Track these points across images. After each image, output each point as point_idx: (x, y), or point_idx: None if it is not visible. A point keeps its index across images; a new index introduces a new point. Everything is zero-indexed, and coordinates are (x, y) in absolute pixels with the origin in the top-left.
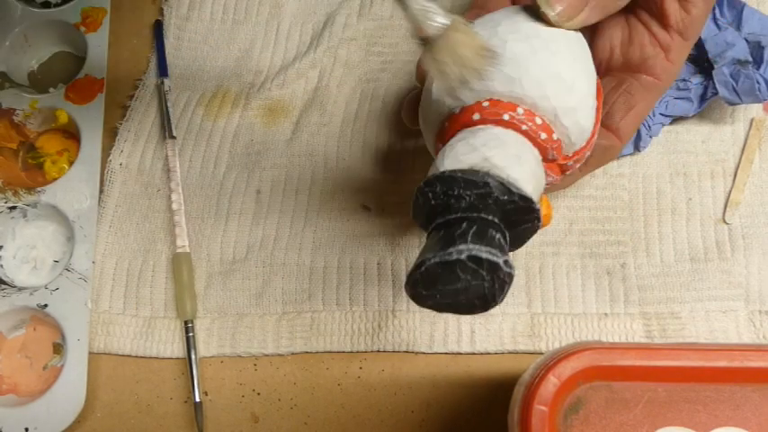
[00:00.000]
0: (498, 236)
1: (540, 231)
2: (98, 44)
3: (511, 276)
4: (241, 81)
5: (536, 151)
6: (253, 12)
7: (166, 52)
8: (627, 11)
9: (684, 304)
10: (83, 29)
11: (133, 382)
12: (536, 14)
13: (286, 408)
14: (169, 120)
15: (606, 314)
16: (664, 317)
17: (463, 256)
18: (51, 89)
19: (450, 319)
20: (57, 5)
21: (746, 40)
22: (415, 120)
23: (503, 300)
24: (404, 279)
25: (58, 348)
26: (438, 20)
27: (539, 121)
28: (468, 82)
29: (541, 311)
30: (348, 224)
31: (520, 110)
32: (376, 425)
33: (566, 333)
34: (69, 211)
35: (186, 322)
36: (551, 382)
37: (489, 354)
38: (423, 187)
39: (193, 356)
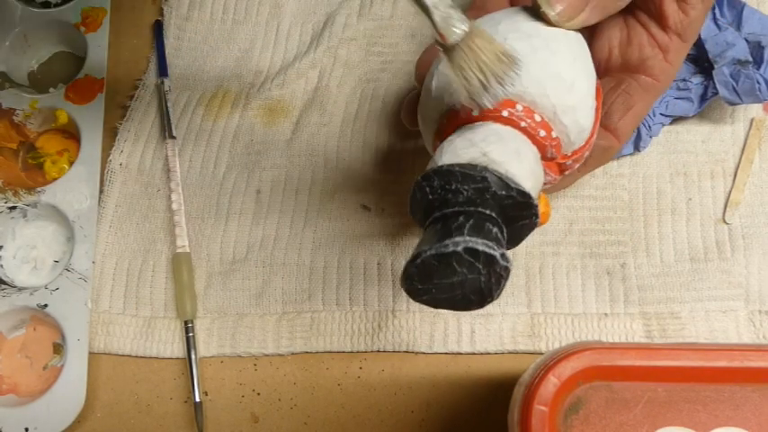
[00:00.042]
0: (495, 230)
1: (539, 231)
2: (98, 44)
3: (507, 270)
4: (241, 81)
5: (535, 149)
6: (253, 12)
7: (166, 52)
8: (626, 12)
9: (684, 304)
10: (83, 29)
11: (133, 382)
12: (536, 14)
13: (286, 408)
14: (169, 120)
15: (606, 314)
16: (664, 317)
17: (459, 248)
18: (51, 89)
19: (450, 318)
20: (57, 5)
21: (746, 40)
22: (415, 120)
23: (499, 295)
24: None
25: (58, 348)
26: (460, 26)
27: (538, 118)
28: (491, 87)
29: (541, 311)
30: (348, 224)
31: (519, 107)
32: (376, 425)
33: (566, 333)
34: (69, 211)
35: (186, 322)
36: (551, 382)
37: (489, 354)
38: (420, 181)
39: (193, 356)
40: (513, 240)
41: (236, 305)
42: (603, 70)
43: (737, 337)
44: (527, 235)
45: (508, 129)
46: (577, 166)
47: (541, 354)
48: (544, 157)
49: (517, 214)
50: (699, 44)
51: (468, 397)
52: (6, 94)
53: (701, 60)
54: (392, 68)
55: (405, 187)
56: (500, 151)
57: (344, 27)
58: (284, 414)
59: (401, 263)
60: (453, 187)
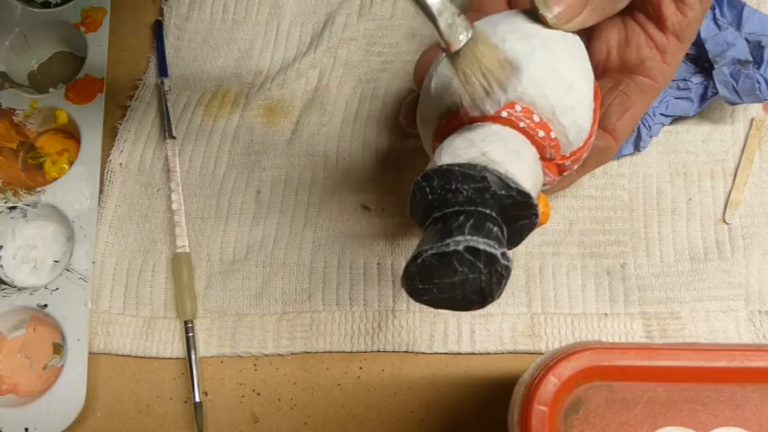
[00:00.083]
0: (496, 229)
1: (539, 231)
2: (98, 44)
3: (508, 270)
4: (241, 81)
5: (534, 149)
6: (253, 12)
7: (166, 52)
8: (624, 13)
9: (684, 304)
10: (83, 29)
11: (133, 382)
12: (535, 17)
13: (286, 408)
14: (169, 120)
15: (606, 314)
16: (664, 317)
17: (460, 247)
18: (51, 89)
19: (450, 319)
20: (57, 5)
21: (746, 40)
22: (413, 123)
23: (500, 295)
24: None
25: (58, 348)
26: (464, 33)
27: (537, 119)
28: (493, 92)
29: (541, 311)
30: (348, 224)
31: (518, 107)
32: (376, 425)
33: (566, 333)
34: (69, 211)
35: (186, 322)
36: (551, 382)
37: (489, 354)
38: (420, 181)
39: (193, 356)
40: (514, 240)
41: (236, 305)
42: (601, 71)
43: (737, 337)
44: (527, 235)
45: (507, 129)
46: (576, 166)
47: (541, 354)
48: (543, 158)
49: (517, 214)
50: (699, 44)
51: (468, 397)
52: (6, 94)
53: (701, 60)
54: (392, 68)
55: (405, 187)
56: (500, 151)
57: (344, 27)
58: (284, 414)
59: (401, 263)
60: (453, 187)
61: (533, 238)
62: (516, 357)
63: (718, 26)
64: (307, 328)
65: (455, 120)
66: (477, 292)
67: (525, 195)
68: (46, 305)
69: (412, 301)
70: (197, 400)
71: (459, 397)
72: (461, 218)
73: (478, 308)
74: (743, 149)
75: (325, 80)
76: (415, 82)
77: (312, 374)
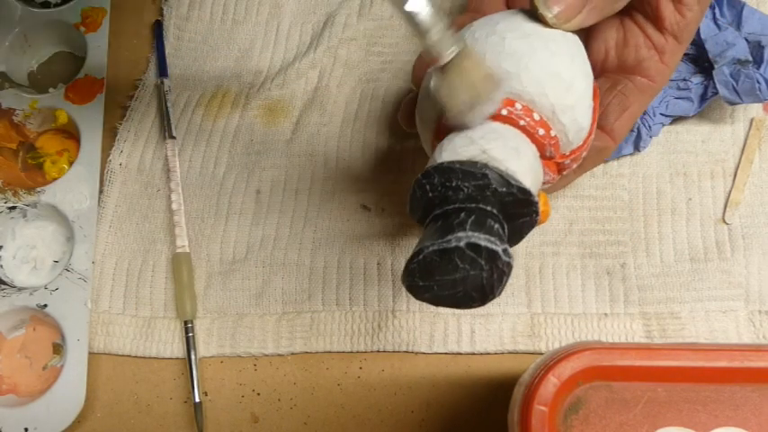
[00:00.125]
0: (497, 226)
1: (539, 231)
2: (98, 44)
3: (510, 266)
4: (241, 81)
5: (534, 147)
6: (253, 12)
7: (166, 52)
8: (622, 13)
9: (684, 304)
10: (83, 29)
11: (133, 383)
12: (534, 16)
13: (286, 408)
14: (169, 120)
15: (606, 314)
16: (664, 317)
17: (462, 244)
18: (51, 89)
19: (450, 318)
20: (57, 5)
21: (746, 40)
22: (412, 122)
23: (501, 292)
24: None
25: (58, 348)
26: (453, 48)
27: (537, 117)
28: (477, 105)
29: (541, 311)
30: (348, 224)
31: (518, 105)
32: (376, 425)
33: (566, 333)
34: (69, 211)
35: (186, 322)
36: (551, 382)
37: (489, 354)
38: (420, 179)
39: (193, 357)
40: (514, 238)
41: (236, 305)
42: (599, 71)
43: (737, 337)
44: (527, 232)
45: (507, 127)
46: (575, 165)
47: (541, 354)
48: (543, 156)
49: (518, 211)
50: (699, 44)
51: (468, 397)
52: (6, 94)
53: (701, 60)
54: (392, 68)
55: (405, 187)
56: (500, 148)
57: (344, 27)
58: (284, 414)
59: (401, 263)
60: (454, 184)
61: (533, 238)
62: (516, 357)
63: (718, 26)
64: (307, 328)
65: None
66: (479, 289)
67: (526, 193)
68: (46, 305)
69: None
70: (197, 400)
71: (459, 397)
72: (462, 215)
73: (479, 305)
74: (743, 149)
75: (325, 80)
76: (413, 82)
77: (312, 374)
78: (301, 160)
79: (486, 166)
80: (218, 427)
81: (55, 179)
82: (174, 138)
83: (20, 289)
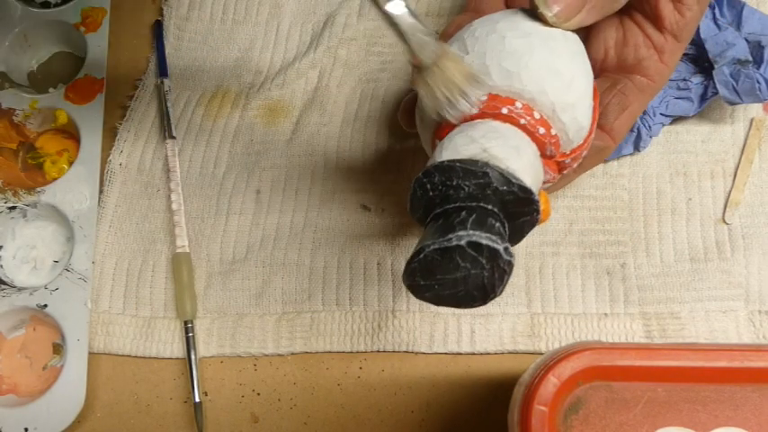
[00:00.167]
0: (498, 225)
1: (539, 231)
2: (98, 44)
3: (511, 265)
4: (241, 81)
5: (534, 146)
6: (253, 12)
7: (166, 52)
8: (621, 12)
9: (684, 304)
10: (83, 29)
11: (133, 382)
12: (534, 15)
13: (286, 408)
14: (169, 120)
15: (606, 314)
16: (664, 317)
17: (463, 242)
18: (51, 89)
19: (450, 319)
20: (57, 5)
21: (746, 40)
22: (412, 122)
23: (502, 291)
24: None
25: (58, 348)
26: (432, 48)
27: (537, 115)
28: (457, 103)
29: (541, 311)
30: (348, 224)
31: (518, 104)
32: (376, 425)
33: (566, 333)
34: (69, 211)
35: (186, 322)
36: (551, 382)
37: (489, 354)
38: (421, 178)
39: (193, 357)
40: (515, 237)
41: (236, 305)
42: (599, 70)
43: (737, 337)
44: (528, 231)
45: (508, 126)
46: (576, 165)
47: (541, 354)
48: (543, 155)
49: (518, 210)
50: (699, 44)
51: (468, 397)
52: (6, 94)
53: (701, 60)
54: (392, 68)
55: (405, 187)
56: (501, 147)
57: (344, 27)
58: (284, 414)
59: (401, 263)
60: (454, 183)
61: (533, 238)
62: (516, 357)
63: (718, 26)
64: (307, 328)
65: None
66: (480, 288)
67: (527, 191)
68: (46, 305)
69: (412, 301)
70: (197, 400)
71: (459, 397)
72: (463, 213)
73: (481, 304)
74: (743, 149)
75: (325, 80)
76: (412, 83)
77: (312, 374)
78: (301, 160)
79: (486, 164)
80: (218, 427)
81: (55, 179)
82: (174, 138)
83: (20, 289)
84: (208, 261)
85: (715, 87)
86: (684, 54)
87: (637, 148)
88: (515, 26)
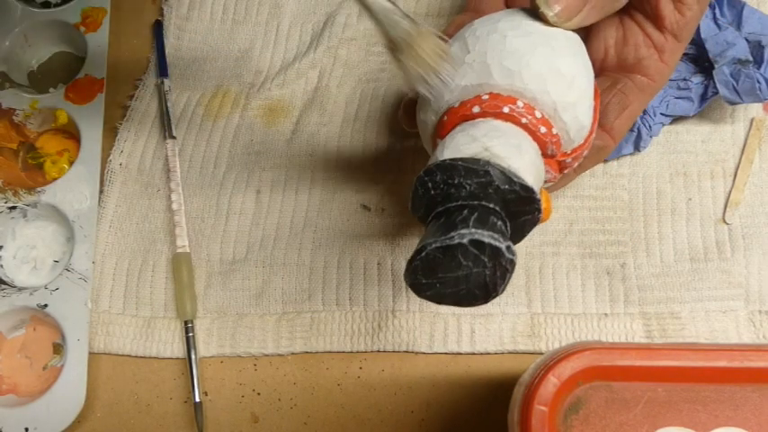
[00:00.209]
0: (500, 223)
1: (539, 231)
2: (98, 44)
3: (513, 264)
4: (241, 81)
5: (536, 145)
6: (253, 12)
7: (166, 52)
8: (621, 12)
9: (684, 304)
10: (83, 29)
11: (133, 382)
12: (535, 15)
13: (286, 408)
14: (169, 120)
15: (606, 314)
16: (664, 317)
17: (465, 240)
18: (51, 89)
19: (450, 318)
20: (57, 5)
21: (747, 40)
22: (413, 122)
23: (503, 290)
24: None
25: (58, 348)
26: (404, 28)
27: (538, 114)
28: (429, 79)
29: (541, 311)
30: (348, 224)
31: (520, 103)
32: (376, 425)
33: (566, 333)
34: (69, 211)
35: (186, 322)
36: (551, 382)
37: (489, 354)
38: (422, 176)
39: (193, 356)
40: (516, 236)
41: (236, 305)
42: (599, 70)
43: (737, 337)
44: (530, 230)
45: (509, 125)
46: (576, 164)
47: (541, 354)
48: (545, 154)
49: (520, 209)
50: (699, 44)
51: (468, 397)
52: (6, 94)
53: (701, 60)
54: (392, 68)
55: (405, 187)
56: (502, 146)
57: (344, 27)
58: (284, 414)
59: (401, 263)
60: (456, 182)
61: (533, 238)
62: (516, 357)
63: (718, 26)
64: (307, 328)
65: (456, 115)
66: (482, 286)
67: (528, 190)
68: (46, 305)
69: (412, 300)
70: (197, 400)
71: (459, 397)
72: (465, 212)
73: (482, 303)
74: (743, 149)
75: (325, 80)
76: None
77: (312, 374)
78: (301, 160)
79: (488, 163)
80: (218, 427)
81: (55, 179)
82: (174, 138)
83: (20, 289)
84: (208, 261)
85: (715, 87)
86: (684, 54)
87: (637, 147)
88: (516, 25)
